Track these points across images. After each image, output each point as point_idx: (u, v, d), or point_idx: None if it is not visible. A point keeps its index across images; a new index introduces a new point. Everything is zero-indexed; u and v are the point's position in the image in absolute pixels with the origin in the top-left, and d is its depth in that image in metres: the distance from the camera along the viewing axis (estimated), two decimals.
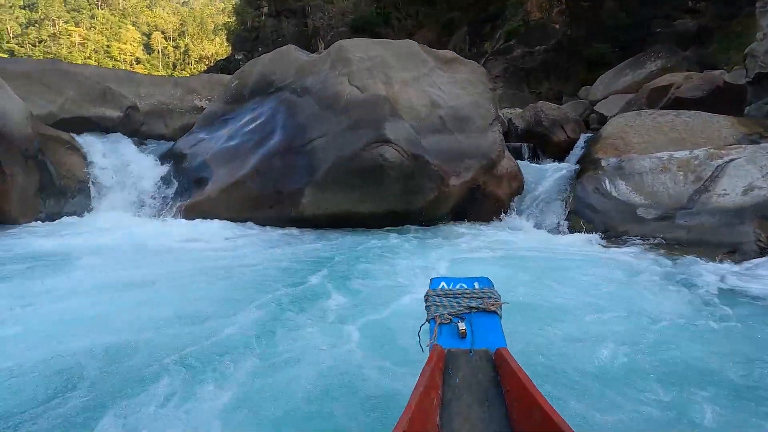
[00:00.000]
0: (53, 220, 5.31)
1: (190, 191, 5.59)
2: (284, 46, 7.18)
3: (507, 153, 6.21)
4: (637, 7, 18.17)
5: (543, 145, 9.29)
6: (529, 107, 10.06)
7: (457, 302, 1.63)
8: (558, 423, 0.92)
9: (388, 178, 4.76)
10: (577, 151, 8.73)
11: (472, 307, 1.60)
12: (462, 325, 1.49)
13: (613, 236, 4.40)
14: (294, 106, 5.78)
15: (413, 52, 6.76)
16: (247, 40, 39.03)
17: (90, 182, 5.99)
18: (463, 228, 5.21)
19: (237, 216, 5.22)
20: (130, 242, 4.10)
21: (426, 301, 1.70)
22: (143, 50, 65.18)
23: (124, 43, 62.38)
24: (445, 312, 1.59)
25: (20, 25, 56.18)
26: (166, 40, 68.00)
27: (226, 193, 5.23)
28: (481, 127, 5.82)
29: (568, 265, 3.58)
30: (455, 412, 1.12)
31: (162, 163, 6.50)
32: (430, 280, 1.86)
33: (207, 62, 57.61)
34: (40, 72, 6.96)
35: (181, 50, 68.13)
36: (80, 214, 5.63)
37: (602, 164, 5.56)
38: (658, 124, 6.91)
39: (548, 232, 5.00)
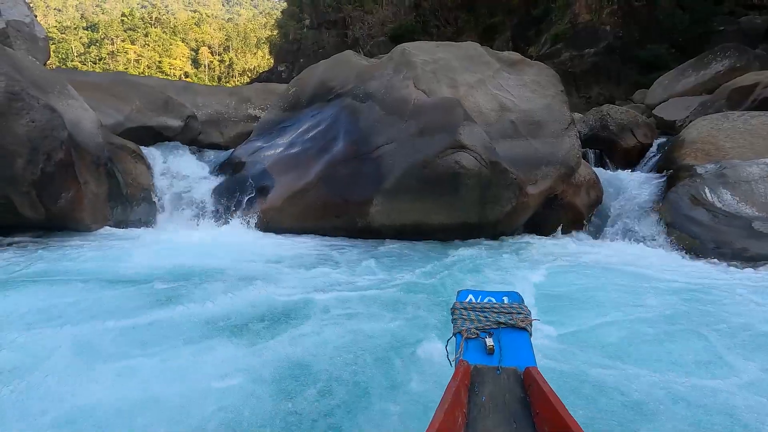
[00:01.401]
0: (120, 228, 5.34)
1: (252, 200, 5.48)
2: (342, 52, 7.06)
3: (583, 160, 5.74)
4: (696, 4, 17.02)
5: (610, 151, 8.65)
6: (593, 111, 9.44)
7: (485, 317, 1.58)
8: None
9: (463, 187, 4.42)
10: (651, 157, 8.06)
11: (500, 323, 1.54)
12: (490, 341, 1.44)
13: (729, 254, 3.84)
14: (357, 112, 5.58)
15: (476, 54, 6.45)
16: (289, 51, 40.13)
17: (153, 190, 6.03)
18: (541, 241, 4.78)
19: (301, 226, 5.04)
20: (223, 256, 3.85)
21: (452, 314, 1.65)
22: (191, 64, 68.47)
23: (174, 59, 65.80)
24: (472, 326, 1.54)
25: (83, 44, 60.55)
26: (212, 55, 71.19)
27: (290, 201, 5.06)
28: (557, 132, 5.38)
29: (705, 292, 3.07)
30: (481, 431, 1.07)
31: (221, 172, 6.47)
32: (457, 292, 1.81)
33: (250, 75, 59.75)
34: (108, 83, 7.17)
35: (226, 64, 71.07)
36: (145, 222, 5.65)
37: (698, 171, 4.98)
38: (751, 126, 6.23)
39: (645, 247, 4.48)
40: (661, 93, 13.58)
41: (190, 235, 4.73)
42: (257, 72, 52.36)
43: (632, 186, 5.74)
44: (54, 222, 4.64)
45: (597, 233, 5.04)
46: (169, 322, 2.36)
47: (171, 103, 7.69)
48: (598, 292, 3.17)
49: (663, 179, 5.45)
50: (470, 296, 1.77)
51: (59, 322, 2.31)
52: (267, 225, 5.14)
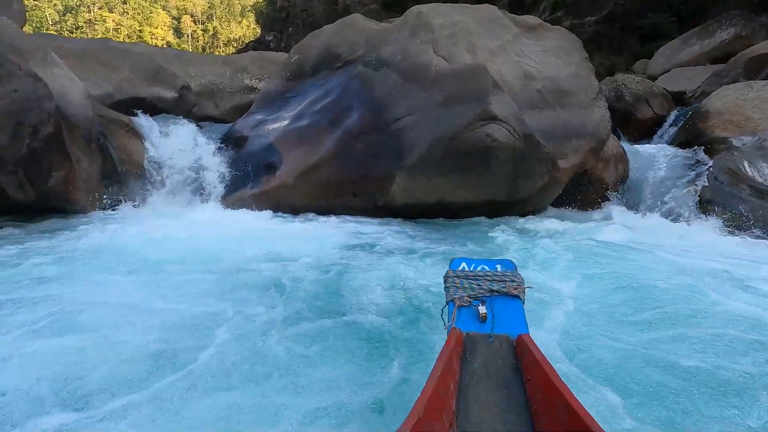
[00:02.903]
0: (117, 209, 4.95)
1: (259, 177, 5.10)
2: (349, 16, 6.52)
3: None
4: None
5: (624, 123, 8.34)
6: (607, 80, 9.06)
7: (478, 284, 1.57)
8: (582, 416, 0.86)
9: (495, 161, 4.09)
10: (668, 129, 7.80)
11: (493, 291, 1.54)
12: (482, 309, 1.43)
13: None
14: (370, 81, 5.15)
15: (495, 17, 6.00)
16: (277, 20, 38.39)
17: (150, 167, 5.60)
18: (571, 219, 4.51)
19: (315, 204, 4.69)
20: (250, 242, 3.42)
21: (445, 282, 1.64)
22: (173, 34, 65.51)
23: (156, 28, 62.78)
24: (465, 294, 1.53)
25: (58, 12, 57.24)
26: (195, 24, 68.10)
27: (302, 178, 4.69)
28: (585, 102, 5.05)
29: (749, 270, 2.84)
30: (473, 398, 1.07)
31: (222, 147, 6.04)
32: (451, 260, 1.80)
33: (235, 45, 57.43)
34: (94, 50, 6.57)
35: (210, 33, 68.14)
36: (141, 202, 5.25)
37: (735, 144, 4.72)
38: None
39: (681, 224, 4.24)
40: (664, 63, 13.21)
41: (199, 216, 4.35)
42: (243, 42, 50.26)
43: (659, 159, 5.46)
44: (45, 204, 4.24)
45: (627, 209, 4.80)
46: (234, 323, 2.03)
47: (163, 73, 7.13)
48: (638, 274, 2.92)
49: (695, 152, 5.17)
50: (463, 264, 1.76)
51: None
52: (278, 204, 4.79)
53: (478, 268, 1.73)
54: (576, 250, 3.50)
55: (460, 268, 1.74)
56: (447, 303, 1.56)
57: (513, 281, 1.59)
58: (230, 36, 66.67)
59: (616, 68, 16.04)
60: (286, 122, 5.66)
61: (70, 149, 4.30)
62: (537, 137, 4.23)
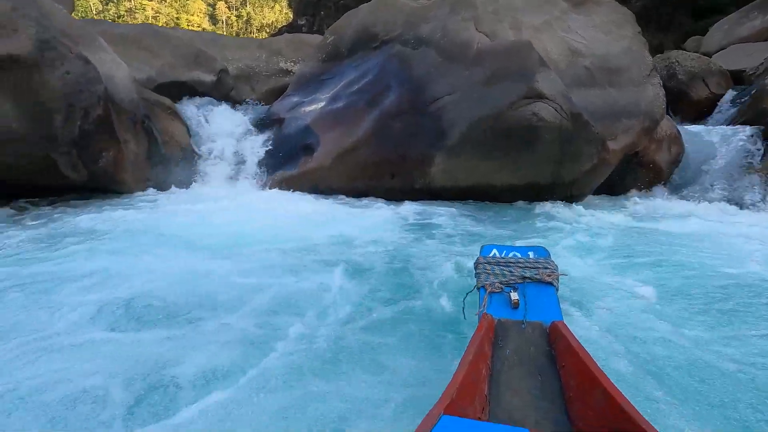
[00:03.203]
0: (163, 190, 5.10)
1: (296, 159, 5.12)
2: None
3: None
4: None
5: (677, 102, 7.81)
6: (658, 58, 8.49)
7: (510, 271, 1.54)
8: (621, 402, 0.82)
9: (540, 142, 3.91)
10: (726, 108, 7.25)
11: (525, 277, 1.50)
12: (515, 295, 1.40)
13: None
14: (409, 60, 5.02)
15: None
16: (309, 4, 38.20)
17: (192, 149, 5.73)
18: (624, 203, 4.28)
19: (353, 186, 4.66)
20: (305, 223, 3.45)
21: (476, 268, 1.62)
22: (209, 21, 66.66)
23: (192, 15, 64.09)
24: (497, 281, 1.50)
25: (101, 2, 59.38)
26: (230, 10, 68.98)
27: (339, 160, 4.67)
28: (638, 79, 4.73)
29: None
30: (505, 384, 1.06)
31: (260, 130, 6.10)
32: (481, 246, 1.77)
33: (269, 30, 57.84)
34: (136, 35, 6.73)
35: (243, 19, 68.89)
36: (186, 184, 5.39)
37: None
38: None
39: (746, 212, 3.93)
40: (720, 39, 12.27)
41: (241, 196, 4.41)
42: (276, 27, 50.46)
43: (717, 141, 5.08)
44: (96, 183, 4.41)
45: (680, 193, 4.50)
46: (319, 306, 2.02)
47: (202, 57, 7.24)
48: (693, 263, 2.70)
49: (759, 132, 4.77)
50: (494, 251, 1.73)
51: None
52: (315, 185, 4.80)
53: (510, 255, 1.69)
54: (625, 236, 3.34)
55: (491, 255, 1.71)
56: (477, 289, 1.53)
57: (546, 268, 1.55)
58: (263, 21, 67.18)
59: (664, 47, 15.02)
60: (322, 104, 5.64)
61: (118, 131, 4.44)
62: (585, 116, 4.00)
